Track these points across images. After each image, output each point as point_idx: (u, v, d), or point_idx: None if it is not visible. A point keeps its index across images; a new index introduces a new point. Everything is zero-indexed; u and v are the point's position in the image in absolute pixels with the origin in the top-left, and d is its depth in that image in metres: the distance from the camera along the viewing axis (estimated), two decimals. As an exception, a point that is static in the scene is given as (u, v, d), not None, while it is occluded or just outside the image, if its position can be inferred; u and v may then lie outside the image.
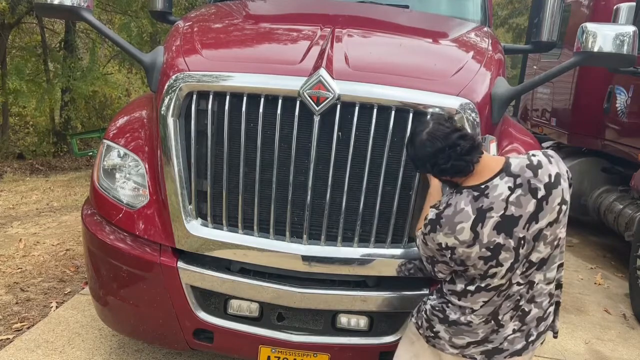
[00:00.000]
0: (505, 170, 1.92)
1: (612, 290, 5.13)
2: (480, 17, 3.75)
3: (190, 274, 2.45)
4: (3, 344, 3.33)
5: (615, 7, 5.00)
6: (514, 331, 2.02)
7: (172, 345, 2.70)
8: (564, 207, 1.91)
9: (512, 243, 1.88)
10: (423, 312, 2.14)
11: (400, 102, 2.22)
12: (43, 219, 6.42)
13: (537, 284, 1.99)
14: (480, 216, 1.88)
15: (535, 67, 8.20)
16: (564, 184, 1.92)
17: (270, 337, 2.46)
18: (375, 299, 2.41)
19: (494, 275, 1.92)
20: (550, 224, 1.90)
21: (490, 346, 2.03)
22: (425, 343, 2.15)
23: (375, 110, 2.22)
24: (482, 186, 1.91)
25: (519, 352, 2.04)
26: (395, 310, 2.44)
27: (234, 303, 2.51)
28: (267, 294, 2.41)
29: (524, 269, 1.94)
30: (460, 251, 1.92)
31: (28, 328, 3.54)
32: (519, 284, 1.96)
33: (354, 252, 2.36)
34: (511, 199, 1.88)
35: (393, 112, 2.22)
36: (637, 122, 5.24)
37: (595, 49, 2.36)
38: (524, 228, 1.88)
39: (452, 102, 2.25)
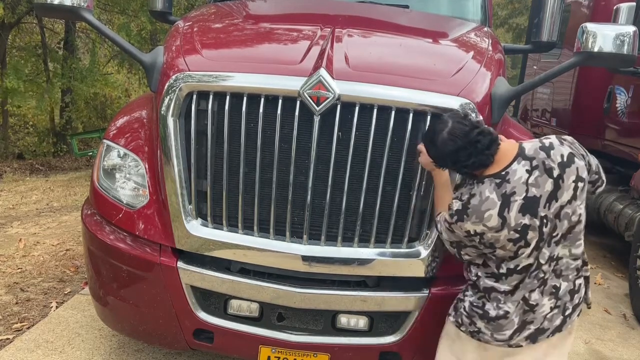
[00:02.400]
0: (521, 154, 2.01)
1: (612, 290, 5.13)
2: (480, 17, 3.75)
3: (190, 274, 2.44)
4: (3, 344, 3.33)
5: (615, 7, 4.99)
6: (551, 309, 2.08)
7: (172, 345, 2.70)
8: (580, 184, 2.00)
9: (537, 222, 1.97)
10: (462, 310, 2.17)
11: (400, 102, 2.22)
12: (43, 219, 6.42)
13: (562, 258, 2.06)
14: (506, 201, 1.96)
15: (535, 67, 8.21)
16: (579, 162, 2.01)
17: (270, 337, 2.46)
18: (375, 299, 2.41)
19: (522, 255, 2.00)
20: (569, 202, 1.99)
21: (532, 328, 2.07)
22: (466, 341, 2.18)
23: (375, 110, 2.22)
24: (503, 173, 2.00)
25: (559, 328, 2.10)
26: (395, 310, 2.44)
27: (234, 303, 2.50)
28: (267, 294, 2.40)
29: (549, 247, 2.02)
30: (489, 236, 1.99)
31: (28, 328, 3.54)
32: (545, 261, 2.03)
33: (354, 252, 2.36)
34: (530, 180, 1.97)
35: (393, 112, 2.22)
36: (637, 122, 5.24)
37: (595, 49, 2.36)
38: (544, 207, 1.97)
39: (452, 102, 2.25)
